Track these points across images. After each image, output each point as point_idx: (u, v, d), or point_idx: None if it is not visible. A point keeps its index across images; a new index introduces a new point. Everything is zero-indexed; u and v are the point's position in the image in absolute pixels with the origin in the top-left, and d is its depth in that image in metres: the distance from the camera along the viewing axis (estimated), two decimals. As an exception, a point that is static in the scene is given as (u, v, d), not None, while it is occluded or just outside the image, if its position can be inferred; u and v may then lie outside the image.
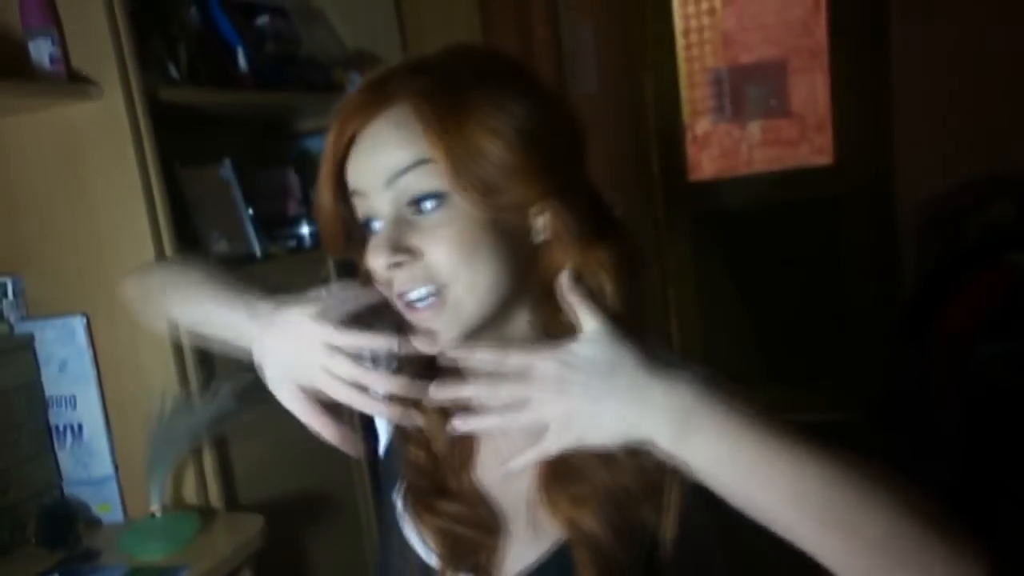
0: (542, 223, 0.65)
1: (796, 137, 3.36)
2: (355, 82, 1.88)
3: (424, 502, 0.72)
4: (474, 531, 0.70)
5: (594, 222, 0.65)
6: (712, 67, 3.42)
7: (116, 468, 1.38)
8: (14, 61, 1.25)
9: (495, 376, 0.62)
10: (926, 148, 2.95)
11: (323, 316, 0.63)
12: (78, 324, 1.34)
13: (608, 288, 0.64)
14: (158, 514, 1.30)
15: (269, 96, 1.73)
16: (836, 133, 3.21)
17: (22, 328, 1.37)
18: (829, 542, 0.55)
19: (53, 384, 1.37)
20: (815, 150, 3.31)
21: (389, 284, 0.65)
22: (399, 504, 0.75)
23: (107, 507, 1.39)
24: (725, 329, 3.41)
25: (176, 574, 1.19)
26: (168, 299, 0.89)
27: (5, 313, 1.36)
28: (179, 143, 1.40)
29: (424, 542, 0.72)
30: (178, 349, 1.32)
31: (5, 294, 1.36)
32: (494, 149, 0.61)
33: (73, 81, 1.28)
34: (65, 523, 1.30)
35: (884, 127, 3.06)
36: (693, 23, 3.41)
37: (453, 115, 0.61)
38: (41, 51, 1.24)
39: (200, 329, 0.83)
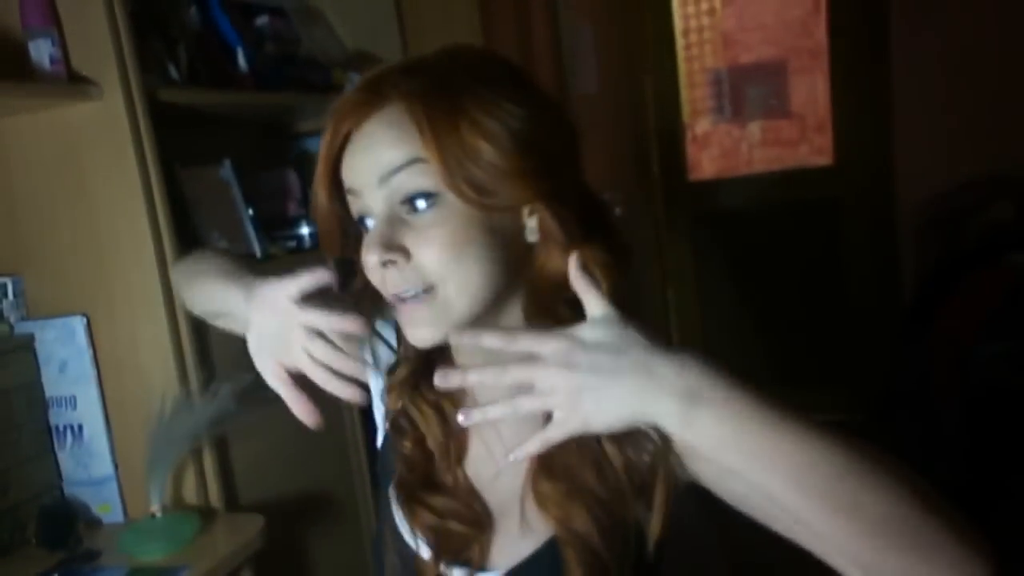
0: (535, 223, 0.66)
1: (796, 137, 3.36)
2: (355, 82, 1.88)
3: (416, 496, 0.72)
4: (466, 526, 0.70)
5: (587, 223, 0.66)
6: (712, 67, 3.42)
7: (116, 468, 1.38)
8: (14, 61, 1.25)
9: (501, 361, 0.62)
10: (926, 148, 2.95)
11: (299, 292, 0.66)
12: (78, 324, 1.35)
13: (601, 287, 0.64)
14: (158, 514, 1.30)
15: (269, 96, 1.73)
16: (836, 133, 3.21)
17: (22, 328, 1.37)
18: (832, 523, 0.55)
19: (53, 384, 1.37)
20: (815, 150, 3.31)
21: (382, 282, 0.66)
22: (393, 498, 0.76)
23: (107, 507, 1.39)
24: (725, 329, 3.41)
25: (176, 574, 1.19)
26: (192, 289, 0.92)
27: (5, 313, 1.37)
28: (179, 143, 1.40)
29: (416, 536, 0.72)
30: (178, 349, 1.33)
31: (5, 294, 1.36)
32: (487, 150, 0.61)
33: (73, 82, 1.28)
34: (65, 523, 1.30)
35: (884, 127, 3.06)
36: (693, 23, 3.41)
37: (447, 115, 0.62)
38: (41, 51, 1.24)
39: (218, 322, 0.88)
